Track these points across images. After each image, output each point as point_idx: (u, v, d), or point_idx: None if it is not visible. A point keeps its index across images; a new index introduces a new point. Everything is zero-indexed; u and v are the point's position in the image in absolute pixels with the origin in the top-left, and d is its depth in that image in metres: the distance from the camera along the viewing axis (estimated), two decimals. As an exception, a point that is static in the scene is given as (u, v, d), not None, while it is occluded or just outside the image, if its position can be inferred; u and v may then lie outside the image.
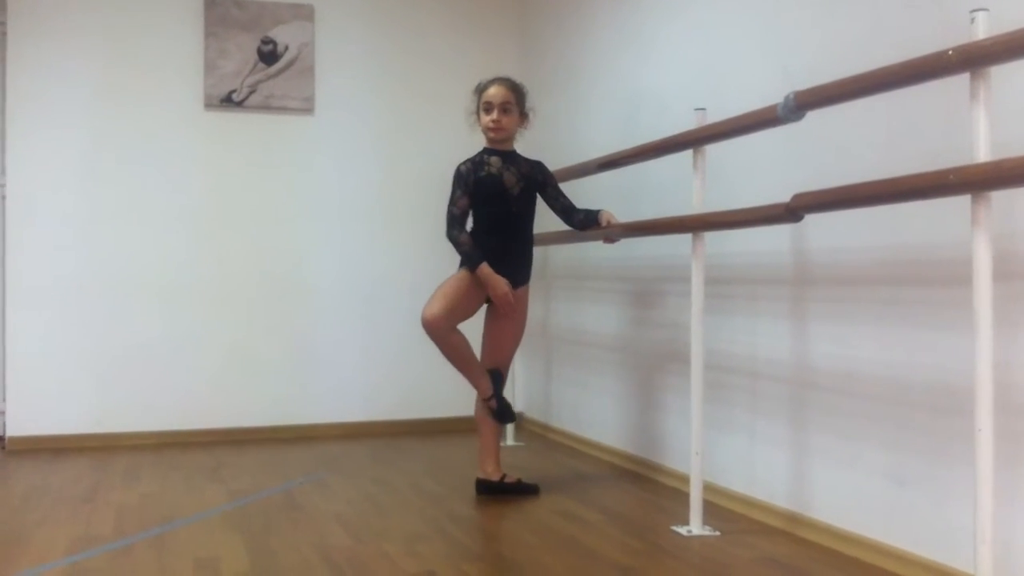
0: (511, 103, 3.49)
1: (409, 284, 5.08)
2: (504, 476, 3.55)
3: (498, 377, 3.54)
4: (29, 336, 4.56)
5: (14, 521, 3.19)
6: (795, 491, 3.01)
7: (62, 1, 4.62)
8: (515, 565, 2.69)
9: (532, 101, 3.66)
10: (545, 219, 3.82)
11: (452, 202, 3.47)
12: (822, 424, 2.89)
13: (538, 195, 3.62)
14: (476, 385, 3.53)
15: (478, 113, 3.55)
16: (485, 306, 3.58)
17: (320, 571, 2.61)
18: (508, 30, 5.28)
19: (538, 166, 3.64)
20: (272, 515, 3.25)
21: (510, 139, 3.57)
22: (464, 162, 3.53)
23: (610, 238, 3.64)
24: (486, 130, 3.53)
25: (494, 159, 3.51)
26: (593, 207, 3.70)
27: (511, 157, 3.56)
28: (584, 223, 3.60)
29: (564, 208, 3.63)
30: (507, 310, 3.45)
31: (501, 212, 3.50)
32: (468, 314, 3.47)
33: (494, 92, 3.50)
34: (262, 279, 4.90)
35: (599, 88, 4.42)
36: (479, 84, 3.57)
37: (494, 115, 3.48)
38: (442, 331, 3.37)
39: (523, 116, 3.57)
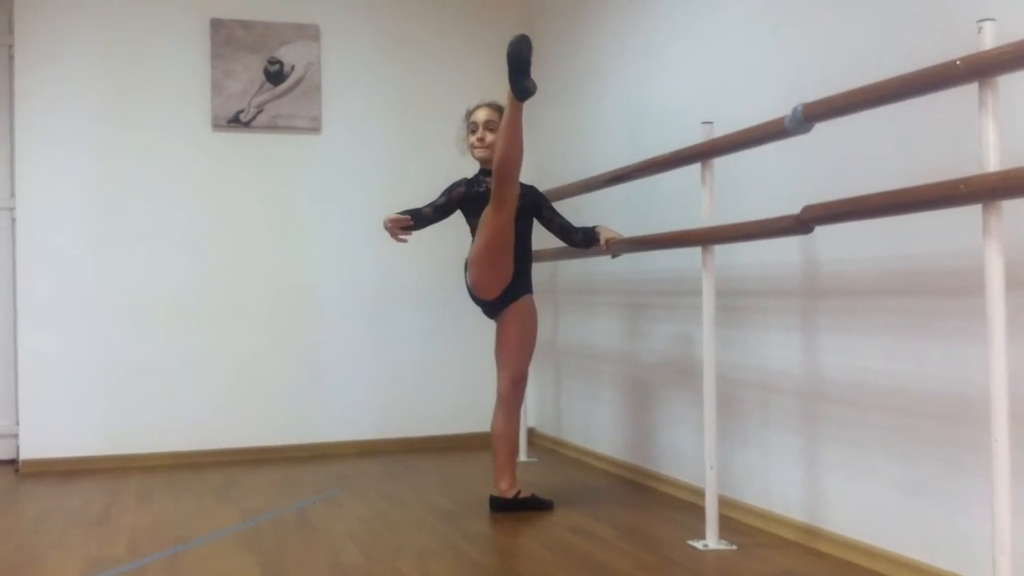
0: (495, 121, 3.53)
1: (418, 300, 5.10)
2: (519, 492, 3.55)
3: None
4: (41, 358, 4.58)
5: (29, 544, 3.19)
6: (810, 503, 3.00)
7: (69, 24, 4.66)
8: (530, 582, 2.68)
9: (524, 122, 3.66)
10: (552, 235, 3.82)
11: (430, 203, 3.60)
12: (836, 436, 2.88)
13: (535, 218, 3.65)
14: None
15: (468, 138, 3.64)
16: (495, 323, 3.60)
17: (335, 591, 2.61)
18: (513, 46, 5.30)
19: (531, 189, 3.70)
20: (285, 534, 3.24)
21: None
22: (461, 179, 3.62)
23: (615, 252, 3.65)
24: (472, 149, 3.61)
25: (489, 178, 3.54)
26: (600, 221, 3.70)
27: None
28: (584, 242, 3.61)
29: (561, 228, 3.65)
30: (389, 227, 3.48)
31: None
32: (501, 240, 3.39)
33: (479, 114, 3.59)
34: (271, 298, 4.91)
35: (605, 102, 4.43)
36: (467, 110, 3.67)
37: (479, 133, 3.56)
38: (503, 245, 3.38)
39: None
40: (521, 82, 3.10)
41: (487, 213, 3.35)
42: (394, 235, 3.52)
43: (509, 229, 3.36)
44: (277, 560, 2.92)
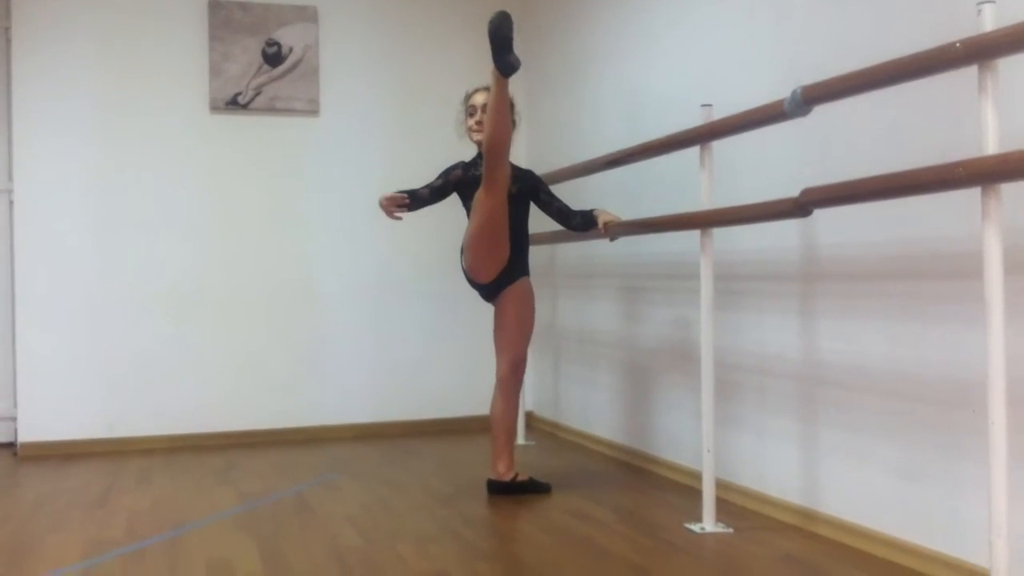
0: None
1: (416, 284, 5.10)
2: (516, 475, 3.55)
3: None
4: (40, 342, 4.58)
5: (28, 527, 3.20)
6: (807, 487, 3.01)
7: (66, 6, 4.63)
8: (528, 566, 2.68)
9: (522, 106, 3.67)
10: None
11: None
12: (833, 420, 2.89)
13: (532, 203, 3.65)
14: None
15: (466, 121, 3.65)
16: (494, 307, 3.60)
17: (332, 573, 2.61)
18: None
19: (528, 173, 3.70)
20: (284, 517, 3.25)
21: None
22: (458, 161, 3.63)
23: (613, 235, 3.65)
24: (469, 132, 3.63)
25: None
26: (599, 205, 3.69)
27: None
28: (583, 225, 3.61)
29: (560, 211, 3.66)
30: (384, 204, 3.52)
31: None
32: (495, 222, 3.39)
33: (477, 97, 3.61)
34: (270, 280, 4.91)
35: (604, 86, 4.41)
36: (465, 93, 3.68)
37: (477, 116, 3.58)
38: (497, 228, 3.39)
39: None
40: (504, 58, 3.11)
41: (480, 195, 3.35)
42: (389, 212, 3.54)
43: (502, 211, 3.36)
44: (275, 543, 2.93)
